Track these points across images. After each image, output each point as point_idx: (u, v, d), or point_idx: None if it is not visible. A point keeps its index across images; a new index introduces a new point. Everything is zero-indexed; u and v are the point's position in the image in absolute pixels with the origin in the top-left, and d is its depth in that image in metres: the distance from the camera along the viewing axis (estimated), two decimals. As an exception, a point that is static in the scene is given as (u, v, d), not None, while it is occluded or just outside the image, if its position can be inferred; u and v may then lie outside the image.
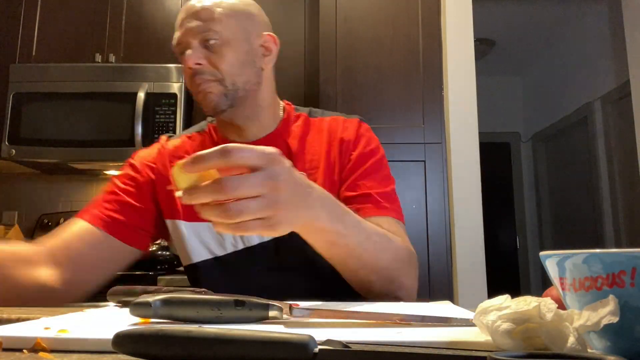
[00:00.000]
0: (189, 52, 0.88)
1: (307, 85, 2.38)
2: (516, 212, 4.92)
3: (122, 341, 0.33)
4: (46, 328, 0.42)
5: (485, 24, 3.69)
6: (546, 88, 4.65)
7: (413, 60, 2.21)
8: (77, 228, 0.90)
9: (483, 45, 4.15)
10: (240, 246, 0.93)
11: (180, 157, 0.99)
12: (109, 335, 0.34)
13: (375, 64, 2.21)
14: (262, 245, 0.92)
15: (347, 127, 0.99)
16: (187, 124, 2.27)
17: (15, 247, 0.85)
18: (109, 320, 0.49)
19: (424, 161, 2.14)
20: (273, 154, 0.55)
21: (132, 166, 1.00)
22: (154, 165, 0.99)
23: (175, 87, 2.27)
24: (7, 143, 2.26)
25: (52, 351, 0.37)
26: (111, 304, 0.65)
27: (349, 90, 2.20)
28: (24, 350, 0.37)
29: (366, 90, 2.19)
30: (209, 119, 1.05)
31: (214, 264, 0.94)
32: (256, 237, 0.92)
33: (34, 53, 2.41)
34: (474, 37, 2.33)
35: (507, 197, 4.94)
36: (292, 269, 0.91)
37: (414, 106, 2.17)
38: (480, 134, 2.28)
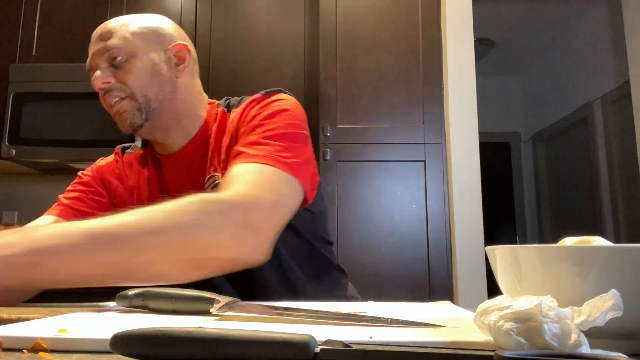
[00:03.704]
0: (97, 73, 0.90)
1: (307, 85, 2.38)
2: (516, 212, 4.92)
3: (120, 342, 0.33)
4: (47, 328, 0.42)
5: (485, 24, 3.69)
6: (546, 88, 4.65)
7: (413, 60, 2.21)
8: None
9: (483, 45, 4.15)
10: None
11: (123, 172, 1.05)
12: (109, 335, 0.34)
13: (375, 64, 2.21)
14: None
15: (240, 112, 0.94)
16: (187, 124, 2.28)
17: None
18: (109, 320, 0.49)
19: (424, 161, 2.14)
20: None
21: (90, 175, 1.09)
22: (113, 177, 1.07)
23: (175, 87, 2.27)
24: (7, 143, 2.26)
25: (52, 351, 0.37)
26: (112, 304, 0.65)
27: (349, 90, 2.20)
28: (24, 350, 0.37)
29: (366, 90, 2.19)
30: None
31: None
32: None
33: (34, 53, 2.41)
34: (474, 37, 2.33)
35: (507, 197, 4.94)
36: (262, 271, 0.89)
37: (414, 106, 2.17)
38: (480, 134, 2.28)
